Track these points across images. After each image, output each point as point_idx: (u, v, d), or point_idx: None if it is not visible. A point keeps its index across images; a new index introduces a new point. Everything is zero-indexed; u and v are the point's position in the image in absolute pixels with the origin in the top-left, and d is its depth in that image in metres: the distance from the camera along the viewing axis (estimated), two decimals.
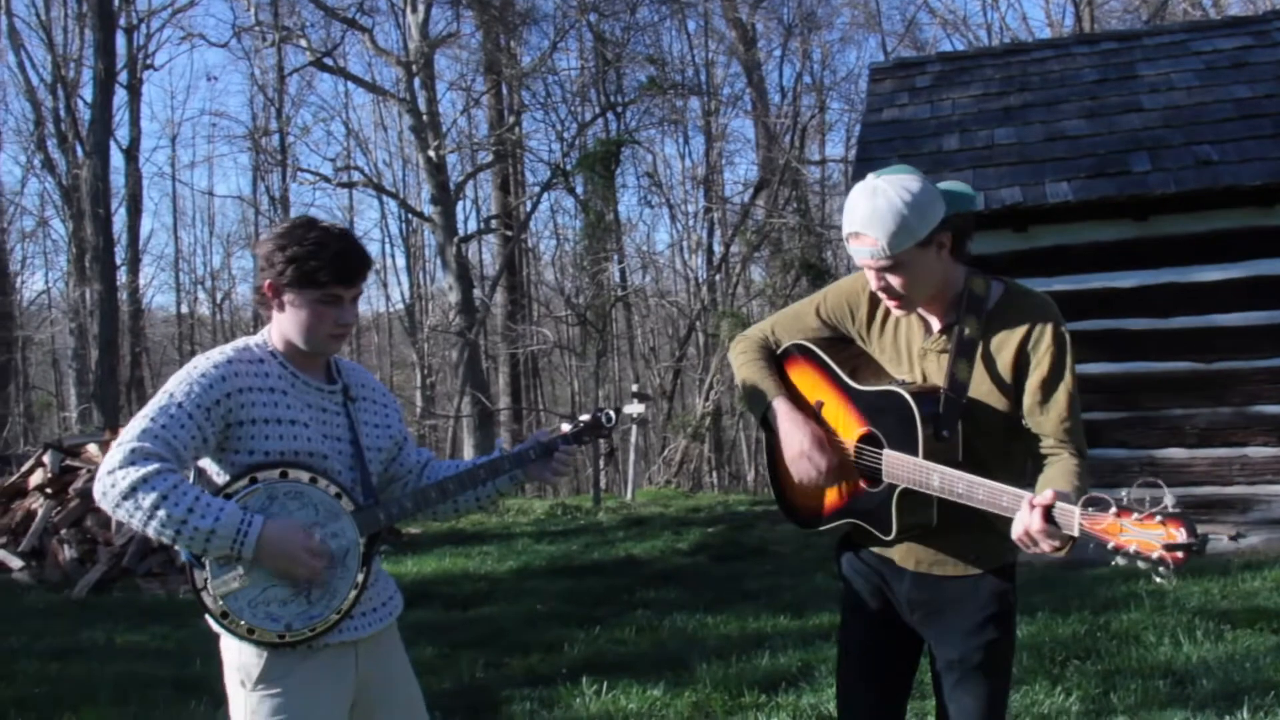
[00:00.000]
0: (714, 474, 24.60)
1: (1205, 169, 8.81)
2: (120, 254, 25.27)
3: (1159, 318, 9.04)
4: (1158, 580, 2.27)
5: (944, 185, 2.72)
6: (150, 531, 2.46)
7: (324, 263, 2.62)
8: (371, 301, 35.81)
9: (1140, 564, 2.25)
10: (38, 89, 25.31)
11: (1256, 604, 7.16)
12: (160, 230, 67.62)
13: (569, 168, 23.31)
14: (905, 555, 2.83)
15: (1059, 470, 2.62)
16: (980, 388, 2.68)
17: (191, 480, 2.61)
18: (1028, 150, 9.57)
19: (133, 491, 2.42)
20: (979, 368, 2.68)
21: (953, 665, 2.80)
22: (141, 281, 29.69)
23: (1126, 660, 6.05)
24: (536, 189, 25.82)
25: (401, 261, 37.25)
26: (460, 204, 26.40)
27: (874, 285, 2.69)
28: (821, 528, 2.92)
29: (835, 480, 2.81)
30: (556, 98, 25.37)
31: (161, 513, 2.42)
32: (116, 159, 25.17)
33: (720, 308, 22.99)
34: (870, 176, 2.65)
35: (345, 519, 2.67)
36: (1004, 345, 2.68)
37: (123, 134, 26.67)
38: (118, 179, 25.67)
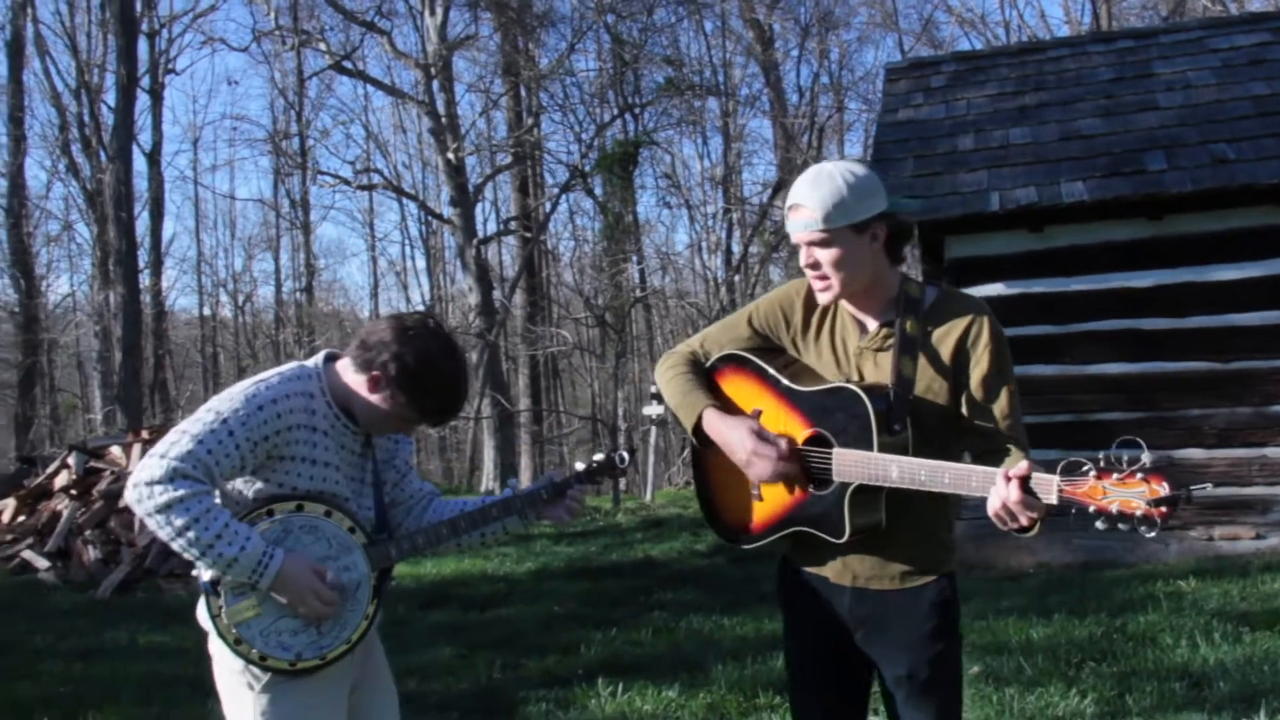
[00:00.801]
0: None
1: (1222, 167, 8.78)
2: (143, 257, 25.45)
3: (1176, 317, 9.01)
4: (1148, 535, 2.23)
5: (897, 196, 2.76)
6: (175, 547, 2.54)
7: (438, 408, 2.75)
8: (393, 303, 35.95)
9: (1122, 525, 2.21)
10: (62, 94, 25.56)
11: (1276, 605, 7.11)
12: (183, 233, 68.04)
13: (587, 169, 23.34)
14: (841, 572, 2.75)
15: (1012, 463, 2.51)
16: (921, 385, 2.65)
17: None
18: (1043, 150, 9.54)
19: (167, 509, 2.49)
20: (921, 364, 2.66)
21: (900, 681, 2.72)
22: (164, 284, 29.93)
23: (1143, 662, 6.03)
24: (555, 190, 25.91)
25: (421, 263, 37.38)
26: (479, 206, 26.53)
27: (803, 261, 2.68)
28: (763, 541, 2.81)
29: (780, 485, 2.73)
30: (575, 99, 25.44)
31: (191, 534, 2.50)
32: (139, 163, 25.40)
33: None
34: (821, 163, 2.70)
35: (358, 553, 2.73)
36: (942, 342, 2.66)
37: (145, 138, 26.90)
38: (140, 183, 25.89)
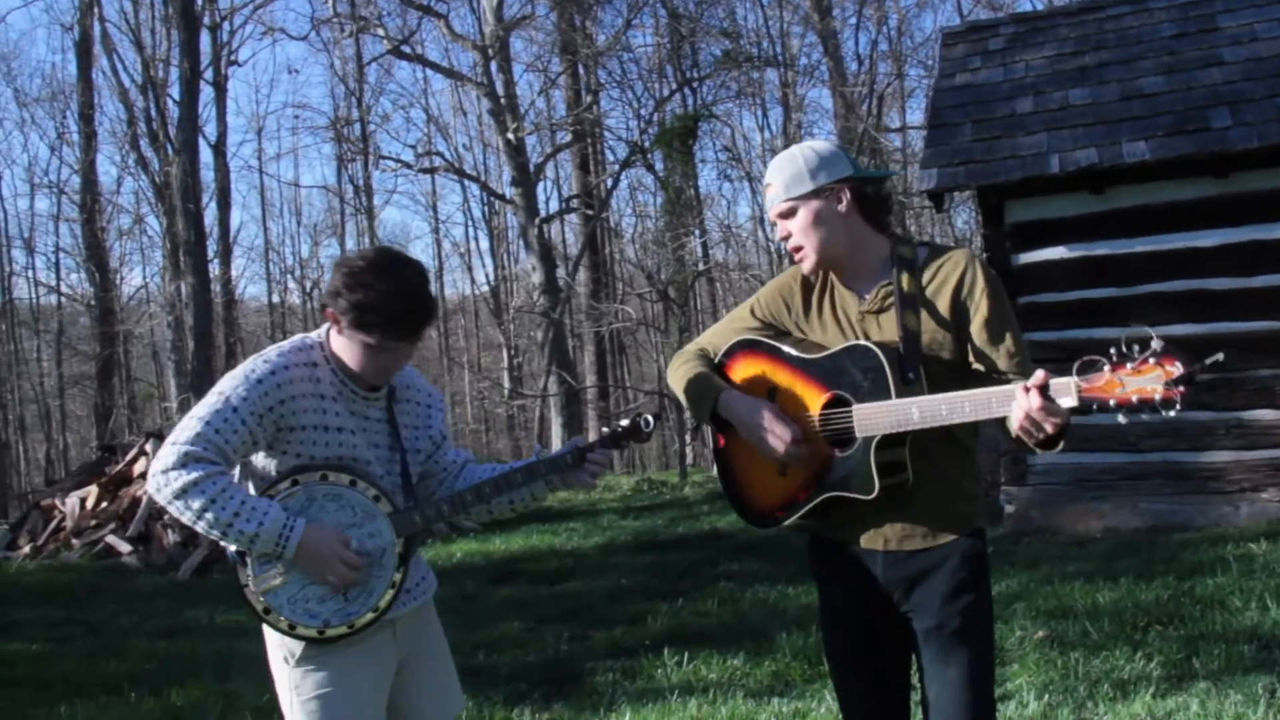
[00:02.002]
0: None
1: None
2: (212, 247, 25.90)
3: (1243, 276, 8.82)
4: (1168, 415, 2.25)
5: (873, 171, 2.87)
6: (199, 529, 2.63)
7: (383, 319, 2.65)
8: (458, 284, 36.32)
9: (1145, 414, 2.26)
10: (129, 90, 26.02)
11: None
12: (250, 222, 69.26)
13: (647, 145, 23.33)
14: (873, 538, 2.79)
15: None
16: (925, 338, 2.72)
17: (239, 474, 2.75)
18: (1104, 110, 9.38)
19: (184, 493, 2.58)
20: (923, 318, 2.73)
21: (930, 634, 2.76)
22: (233, 273, 30.53)
23: (1210, 625, 5.98)
24: (615, 167, 25.89)
25: (485, 244, 37.72)
26: (541, 185, 26.64)
27: (779, 235, 2.83)
28: (795, 516, 2.82)
29: (803, 458, 2.76)
30: (632, 75, 25.39)
31: (210, 515, 2.58)
32: (205, 154, 25.80)
33: None
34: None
35: (382, 520, 2.76)
36: (938, 296, 2.74)
37: (210, 130, 27.33)
38: (207, 174, 26.33)
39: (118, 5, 34.23)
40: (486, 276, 36.26)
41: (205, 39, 24.86)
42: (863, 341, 2.69)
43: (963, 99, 10.25)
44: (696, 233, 24.57)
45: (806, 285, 2.91)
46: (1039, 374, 2.39)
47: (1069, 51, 10.38)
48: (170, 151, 22.52)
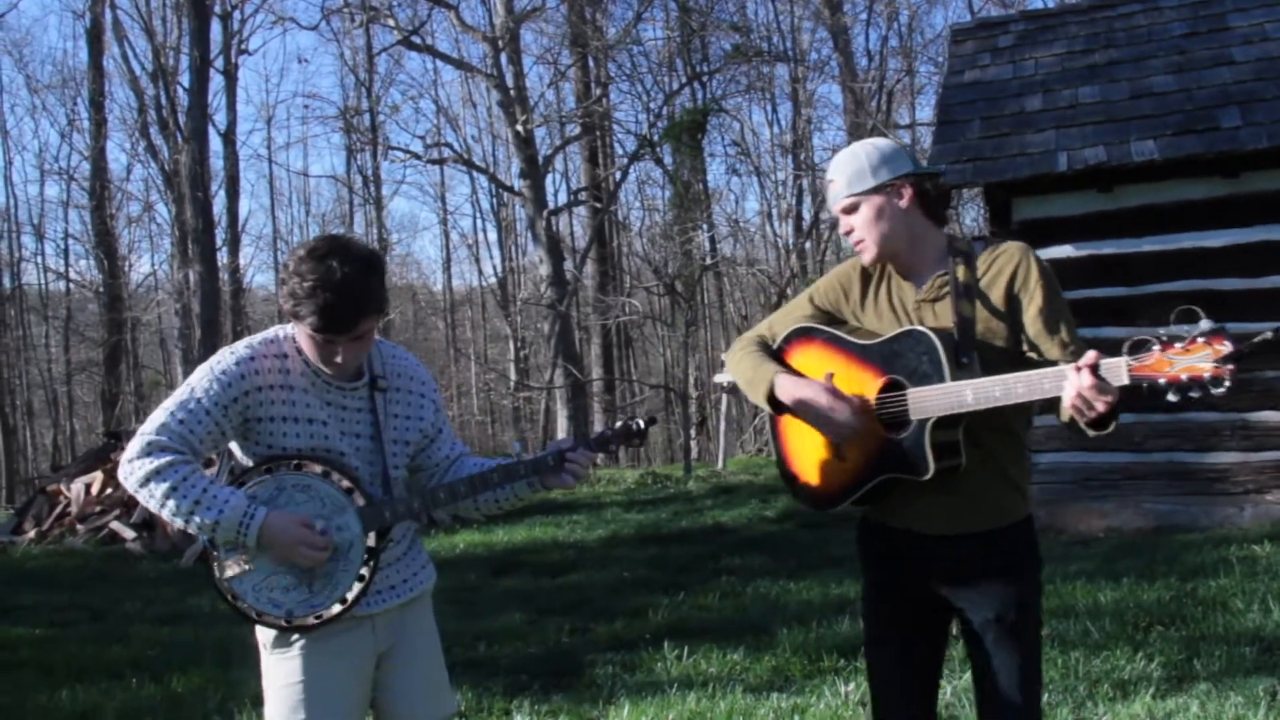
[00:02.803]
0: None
1: None
2: (220, 235, 26.00)
3: (1251, 277, 8.79)
4: (1218, 392, 2.30)
5: (929, 167, 2.92)
6: (164, 516, 2.64)
7: (311, 310, 2.60)
8: (465, 276, 36.32)
9: (1193, 392, 2.32)
10: (140, 78, 26.08)
11: None
12: (258, 211, 69.35)
13: (656, 138, 23.31)
14: (925, 522, 2.84)
15: None
16: (980, 327, 2.79)
17: (223, 459, 2.76)
18: (1113, 109, 9.35)
19: (147, 481, 2.60)
20: (977, 308, 2.80)
21: (988, 625, 2.81)
22: (242, 261, 30.53)
23: (1212, 627, 5.97)
24: (624, 160, 25.88)
25: (493, 236, 37.65)
26: (549, 177, 26.62)
27: (842, 230, 2.93)
28: (852, 498, 2.88)
29: (860, 440, 2.82)
30: (642, 68, 25.39)
31: (171, 502, 2.60)
32: (215, 143, 25.86)
33: (810, 275, 22.87)
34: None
35: (351, 514, 2.74)
36: (993, 286, 2.81)
37: (220, 118, 27.40)
38: (216, 162, 26.39)
39: None
40: (494, 268, 36.28)
41: (216, 27, 24.94)
42: (915, 327, 2.76)
43: (972, 96, 10.23)
44: (704, 227, 24.58)
45: (865, 275, 3.00)
46: (1090, 354, 2.44)
47: (1079, 49, 10.35)
48: (180, 139, 22.53)
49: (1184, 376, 2.31)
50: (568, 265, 24.01)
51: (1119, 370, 2.41)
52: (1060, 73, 10.09)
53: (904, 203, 2.85)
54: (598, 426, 25.06)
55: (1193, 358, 2.30)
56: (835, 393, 2.78)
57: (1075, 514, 9.19)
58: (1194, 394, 2.31)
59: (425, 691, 2.97)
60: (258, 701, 5.42)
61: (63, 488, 12.72)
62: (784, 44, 25.55)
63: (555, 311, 22.17)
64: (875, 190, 2.84)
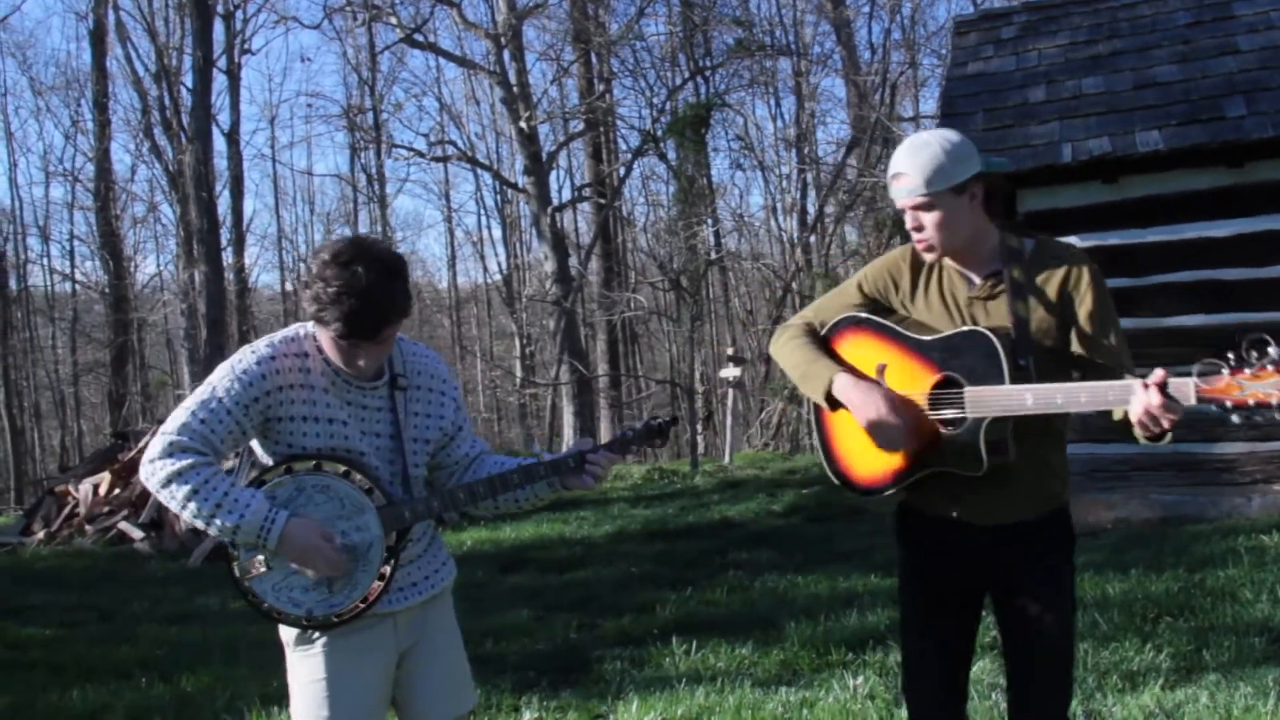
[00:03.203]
0: (812, 436, 24.47)
1: None
2: (225, 235, 25.94)
3: (1256, 267, 8.76)
4: None
5: (987, 156, 2.90)
6: (185, 517, 2.64)
7: (336, 316, 2.59)
8: (470, 273, 36.34)
9: (1259, 416, 2.38)
10: (143, 79, 26.12)
11: None
12: (263, 210, 69.19)
13: (660, 133, 23.28)
14: (967, 510, 2.91)
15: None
16: (1032, 326, 2.84)
17: (244, 458, 2.75)
18: (1117, 99, 9.33)
19: (169, 482, 2.60)
20: (1030, 305, 2.85)
21: (1026, 605, 2.91)
22: (247, 261, 30.54)
23: (1221, 617, 5.96)
24: (628, 156, 25.85)
25: (498, 233, 37.60)
26: (553, 173, 26.57)
27: (909, 225, 2.87)
28: (898, 488, 2.96)
29: (912, 437, 2.87)
30: (645, 64, 25.35)
31: (193, 505, 2.60)
32: (219, 143, 25.91)
33: (814, 269, 22.85)
34: (919, 132, 2.89)
35: (370, 514, 2.73)
36: (1046, 286, 2.85)
37: (224, 118, 27.42)
38: (221, 162, 26.42)
39: None
40: (499, 265, 36.27)
41: (218, 27, 24.95)
42: (977, 328, 2.80)
43: (975, 88, 10.21)
44: (709, 222, 24.54)
45: (915, 266, 3.01)
46: (1158, 372, 2.50)
47: (1082, 40, 10.32)
48: (184, 140, 22.58)
49: (1251, 402, 2.37)
50: (572, 261, 23.98)
51: (1187, 391, 2.46)
52: (1064, 64, 10.07)
53: (975, 202, 2.86)
54: (604, 423, 25.16)
55: (1262, 384, 2.36)
56: (894, 405, 2.82)
57: (1083, 505, 9.16)
58: (1259, 418, 2.37)
59: (446, 688, 2.97)
60: (267, 700, 5.46)
61: (71, 488, 12.74)
62: (786, 38, 25.51)
63: (560, 308, 22.16)
64: (954, 190, 2.80)
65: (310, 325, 2.79)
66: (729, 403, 19.36)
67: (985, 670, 5.10)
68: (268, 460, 2.77)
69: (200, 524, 2.63)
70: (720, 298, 29.41)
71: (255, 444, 2.79)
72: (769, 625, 6.56)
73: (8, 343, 29.20)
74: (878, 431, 2.84)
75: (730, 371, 18.48)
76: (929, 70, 25.77)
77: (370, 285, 2.58)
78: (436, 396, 2.96)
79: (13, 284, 30.78)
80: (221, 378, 2.69)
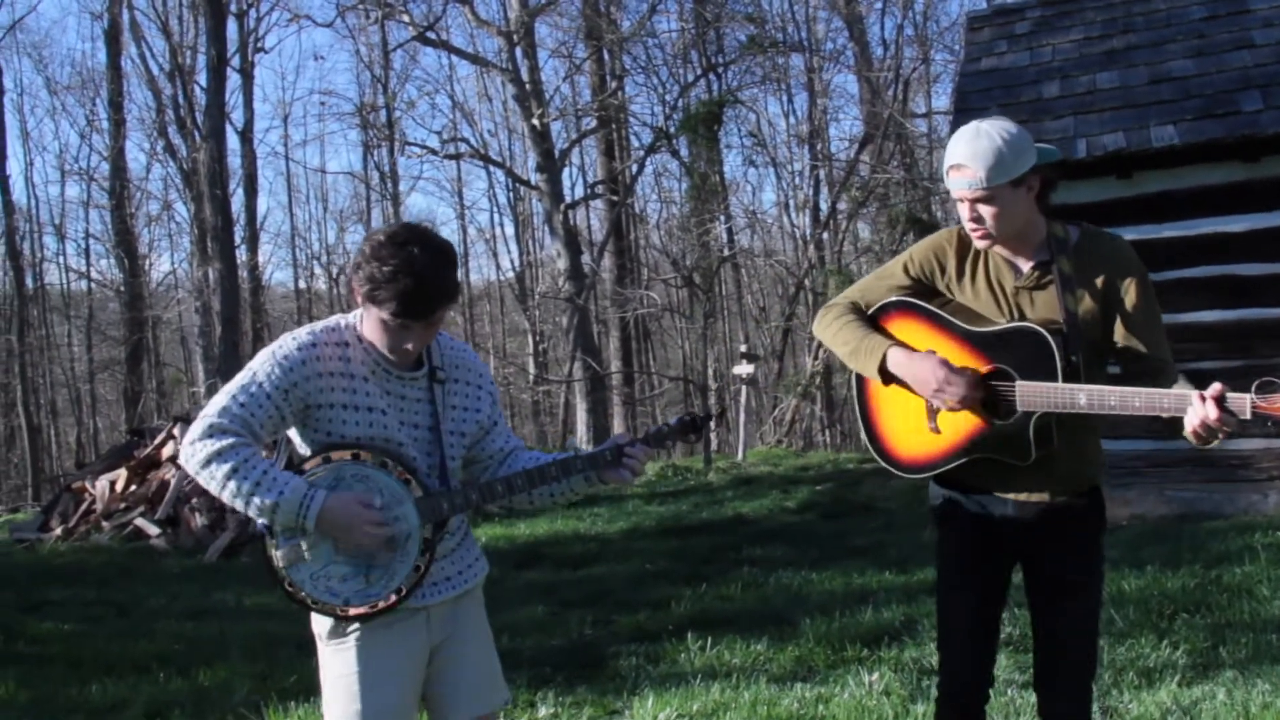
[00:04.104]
0: (825, 433, 24.50)
1: None
2: (239, 233, 26.10)
3: (1272, 262, 8.72)
4: None
5: (1040, 146, 2.93)
6: (224, 499, 2.66)
7: (392, 294, 2.61)
8: (483, 270, 36.39)
9: None
10: (158, 78, 26.24)
11: None
12: (276, 208, 69.57)
13: (672, 130, 23.27)
14: (1006, 489, 2.99)
15: (1180, 383, 2.76)
16: (1080, 317, 2.89)
17: (281, 447, 2.77)
18: (1132, 94, 9.30)
19: (209, 463, 2.62)
20: (1079, 298, 2.90)
21: (1059, 580, 3.01)
22: (260, 259, 30.65)
23: (1238, 614, 5.95)
24: (641, 153, 25.86)
25: (510, 230, 37.64)
26: (566, 171, 26.66)
27: (966, 216, 2.89)
28: (941, 469, 3.03)
29: (958, 419, 2.95)
30: (657, 61, 25.35)
31: (232, 484, 2.61)
32: (232, 141, 25.97)
33: (828, 265, 22.83)
34: (975, 122, 2.89)
35: (409, 505, 2.75)
36: (1092, 277, 2.91)
37: (238, 116, 27.51)
38: (234, 160, 26.50)
39: None
40: (512, 262, 36.34)
41: (232, 26, 25.03)
42: (1030, 324, 2.84)
43: (988, 83, 10.19)
44: (721, 218, 24.53)
45: (961, 249, 3.05)
46: (1216, 386, 2.55)
47: (1096, 35, 10.29)
48: (198, 138, 22.64)
49: None
50: (585, 258, 24.00)
51: (1243, 405, 2.50)
52: (1078, 59, 10.04)
53: (1032, 194, 2.89)
54: (617, 419, 25.17)
55: None
56: (951, 367, 2.87)
57: None
58: None
59: (477, 684, 2.97)
60: (284, 695, 5.49)
61: (88, 485, 12.80)
62: (799, 34, 25.47)
63: (573, 305, 22.17)
64: (1014, 183, 2.83)
65: (351, 317, 2.82)
66: (742, 400, 19.35)
67: (1002, 667, 5.10)
68: (305, 450, 2.78)
69: (240, 504, 2.64)
70: (733, 294, 29.42)
71: (294, 433, 2.80)
72: (784, 621, 6.56)
73: (24, 341, 29.32)
74: (940, 398, 2.89)
75: (743, 368, 18.46)
76: (942, 66, 25.70)
77: (425, 265, 2.62)
78: (474, 390, 2.97)
79: (29, 282, 30.89)
80: (262, 363, 2.71)
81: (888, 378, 3.00)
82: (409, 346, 2.72)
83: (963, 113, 9.88)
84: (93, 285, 33.92)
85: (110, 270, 32.76)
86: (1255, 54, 9.20)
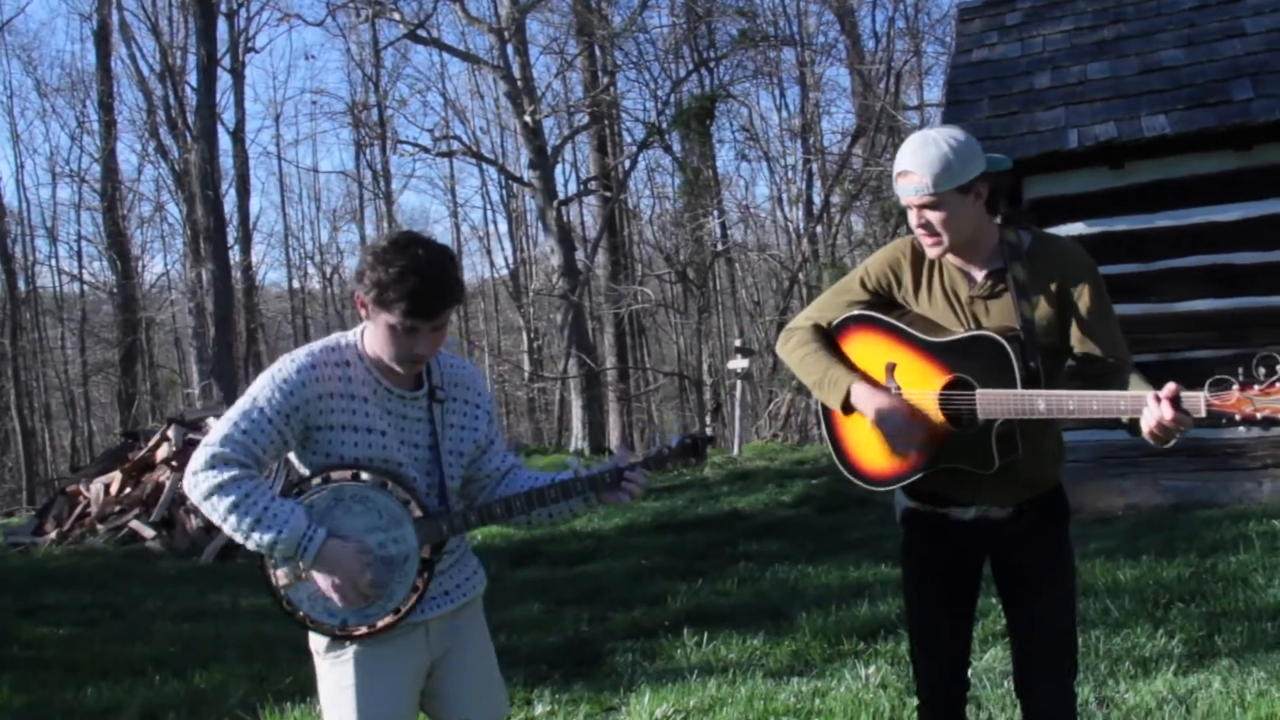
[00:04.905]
0: (820, 426, 24.47)
1: None
2: (232, 233, 26.04)
3: (1264, 251, 8.71)
4: None
5: (989, 154, 2.95)
6: (226, 530, 2.66)
7: (401, 295, 2.61)
8: (477, 268, 36.34)
9: (1265, 430, 2.51)
10: (148, 79, 26.16)
11: None
12: (269, 208, 69.44)
13: (665, 126, 23.27)
14: (971, 497, 3.00)
15: (1134, 381, 2.79)
16: (1035, 323, 2.90)
17: (280, 467, 2.76)
18: (1123, 84, 9.29)
19: (210, 495, 2.62)
20: (1034, 304, 2.90)
21: (1029, 576, 3.02)
22: (254, 259, 30.64)
23: (1233, 603, 5.96)
24: (633, 149, 25.86)
25: (504, 227, 37.75)
26: (559, 167, 26.64)
27: (914, 223, 2.90)
28: (907, 481, 3.03)
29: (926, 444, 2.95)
30: (649, 56, 25.29)
31: (233, 519, 2.62)
32: (224, 141, 25.90)
33: (821, 259, 22.82)
34: (924, 129, 2.92)
35: (408, 526, 2.75)
36: (1045, 283, 2.91)
37: (229, 116, 27.42)
38: (226, 161, 26.40)
39: None
40: (505, 260, 36.34)
41: (222, 26, 24.94)
42: (987, 332, 2.86)
43: (980, 75, 10.18)
44: (714, 213, 24.55)
45: (916, 260, 3.06)
46: (1170, 386, 2.58)
47: (1087, 25, 10.27)
48: (189, 139, 22.63)
49: (1260, 416, 2.48)
50: (579, 255, 24.02)
51: (1198, 404, 2.54)
52: (1069, 49, 10.03)
53: (980, 201, 2.90)
54: (612, 415, 25.16)
55: (1272, 399, 2.45)
56: (910, 415, 2.91)
57: (1094, 492, 9.16)
58: (1264, 431, 2.51)
59: (477, 697, 2.97)
60: (280, 696, 5.48)
61: (82, 488, 12.78)
62: (790, 28, 25.46)
63: (567, 301, 22.18)
64: (961, 189, 2.85)
65: (351, 335, 2.81)
66: (737, 394, 19.33)
67: (998, 659, 5.11)
68: (304, 470, 2.77)
69: (239, 538, 2.65)
70: (727, 289, 29.40)
71: (292, 455, 2.79)
72: (780, 616, 6.56)
73: (17, 344, 29.25)
74: (895, 442, 2.94)
75: (738, 363, 18.44)
76: (933, 58, 25.73)
77: (431, 264, 2.64)
78: (471, 409, 2.96)
79: (21, 285, 30.80)
80: (262, 388, 2.70)
81: (850, 410, 3.03)
82: (419, 351, 2.71)
83: (955, 105, 9.88)
84: (85, 288, 33.83)
85: (103, 272, 32.67)
86: (1246, 43, 9.19)
